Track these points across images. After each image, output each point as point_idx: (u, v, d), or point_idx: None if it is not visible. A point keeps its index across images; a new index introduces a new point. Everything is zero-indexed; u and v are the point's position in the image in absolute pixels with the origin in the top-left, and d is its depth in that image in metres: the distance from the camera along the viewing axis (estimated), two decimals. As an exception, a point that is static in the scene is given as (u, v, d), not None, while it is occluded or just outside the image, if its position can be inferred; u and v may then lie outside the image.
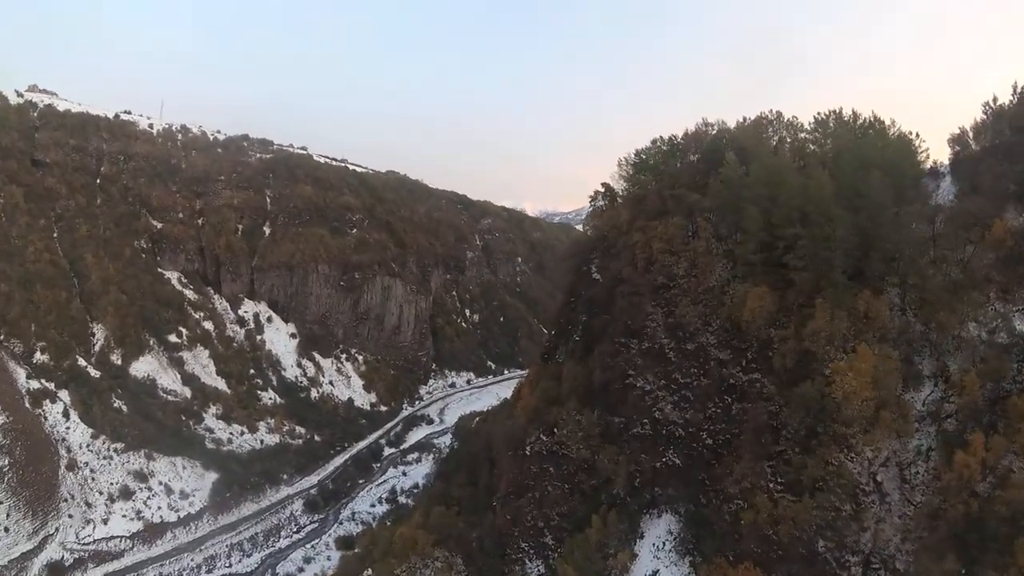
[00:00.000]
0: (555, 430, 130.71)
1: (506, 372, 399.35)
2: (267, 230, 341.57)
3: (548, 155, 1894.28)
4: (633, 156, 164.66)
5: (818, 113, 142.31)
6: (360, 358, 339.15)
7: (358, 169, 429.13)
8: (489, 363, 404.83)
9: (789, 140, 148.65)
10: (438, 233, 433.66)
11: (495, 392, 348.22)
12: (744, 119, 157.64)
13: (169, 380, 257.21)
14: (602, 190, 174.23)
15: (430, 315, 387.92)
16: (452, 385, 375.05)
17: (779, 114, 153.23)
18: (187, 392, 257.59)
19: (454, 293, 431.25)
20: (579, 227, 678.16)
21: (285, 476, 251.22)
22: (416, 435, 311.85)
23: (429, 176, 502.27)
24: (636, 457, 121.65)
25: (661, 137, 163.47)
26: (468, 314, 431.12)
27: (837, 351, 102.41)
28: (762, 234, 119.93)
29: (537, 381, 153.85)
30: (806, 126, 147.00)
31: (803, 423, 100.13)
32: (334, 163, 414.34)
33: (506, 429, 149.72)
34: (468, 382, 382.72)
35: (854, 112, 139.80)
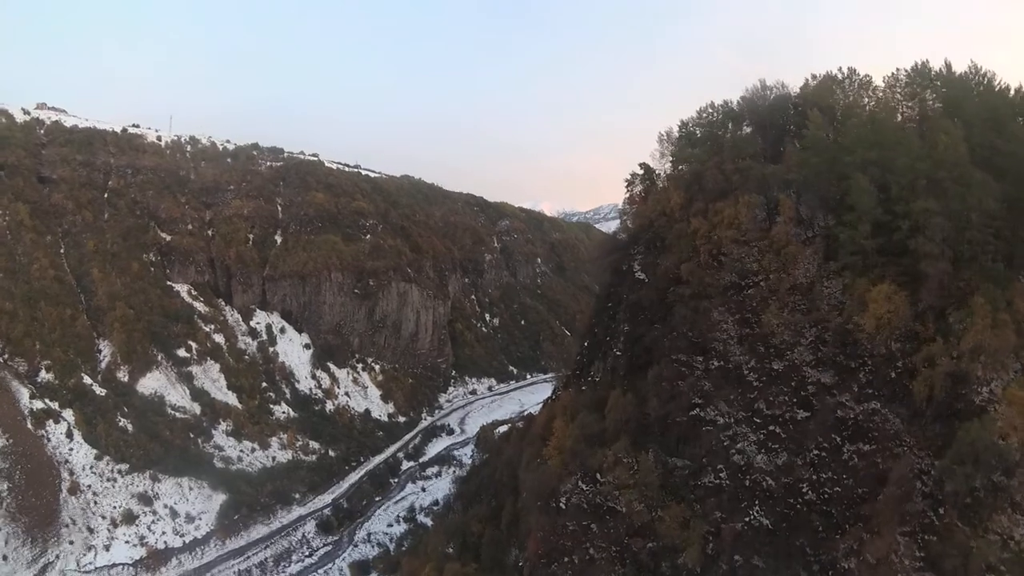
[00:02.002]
0: (599, 477, 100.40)
1: (529, 377, 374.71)
2: (279, 239, 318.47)
3: (564, 154, 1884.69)
4: (678, 129, 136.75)
5: (897, 69, 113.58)
6: (377, 367, 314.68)
7: (371, 174, 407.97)
8: (511, 368, 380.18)
9: (867, 101, 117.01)
10: (455, 236, 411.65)
11: (517, 399, 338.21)
12: (809, 79, 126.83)
13: (177, 396, 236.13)
14: (639, 171, 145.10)
15: (448, 320, 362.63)
16: (473, 392, 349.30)
17: (852, 71, 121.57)
18: (196, 408, 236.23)
19: (473, 297, 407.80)
20: (598, 226, 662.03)
21: (297, 495, 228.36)
22: (436, 447, 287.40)
23: (444, 179, 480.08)
24: (709, 515, 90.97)
25: (712, 103, 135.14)
26: (488, 318, 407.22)
27: (1000, 372, 74.81)
28: (877, 211, 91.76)
29: (572, 410, 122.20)
30: (880, 85, 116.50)
31: (967, 480, 70.64)
32: (346, 169, 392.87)
33: (535, 476, 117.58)
34: (490, 388, 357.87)
35: (947, 63, 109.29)
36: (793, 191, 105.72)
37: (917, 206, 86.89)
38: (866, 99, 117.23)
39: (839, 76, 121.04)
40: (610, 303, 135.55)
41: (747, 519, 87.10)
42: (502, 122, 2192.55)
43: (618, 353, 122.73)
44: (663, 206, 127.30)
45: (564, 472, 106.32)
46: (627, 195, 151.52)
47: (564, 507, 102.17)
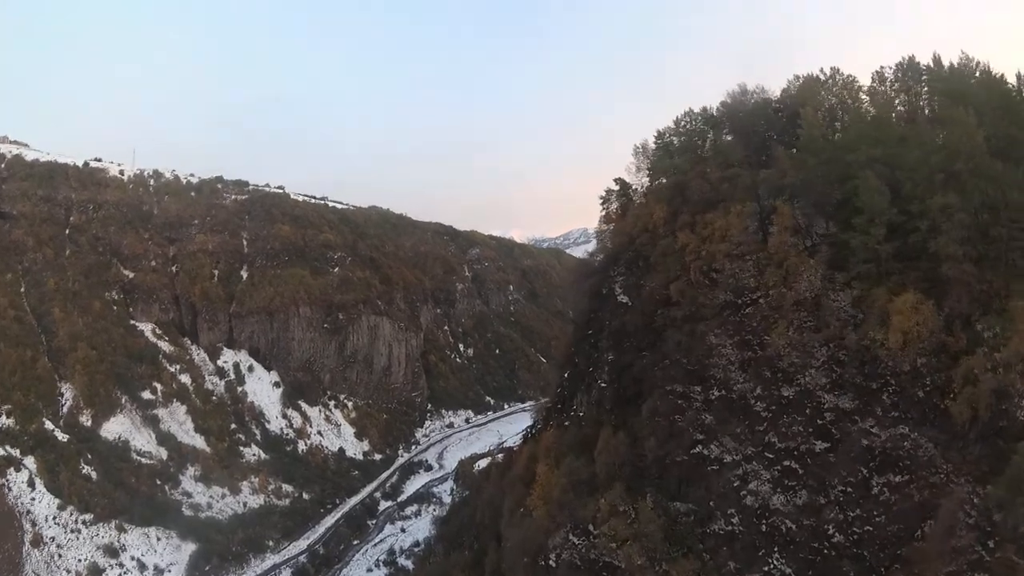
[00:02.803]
0: (592, 529, 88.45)
1: (506, 407, 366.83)
2: (244, 274, 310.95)
3: (532, 181, 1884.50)
4: (655, 139, 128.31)
5: (881, 67, 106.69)
6: (350, 404, 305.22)
7: (338, 206, 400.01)
8: (488, 398, 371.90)
9: (852, 102, 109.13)
10: (425, 266, 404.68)
11: (496, 430, 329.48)
12: (792, 80, 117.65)
13: (143, 441, 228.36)
14: (615, 187, 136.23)
15: (422, 352, 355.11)
16: (450, 425, 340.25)
17: (836, 70, 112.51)
18: (163, 453, 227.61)
19: (446, 328, 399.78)
20: (569, 251, 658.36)
21: (271, 542, 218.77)
22: (414, 484, 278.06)
23: (412, 210, 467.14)
24: (722, 567, 79.71)
25: (690, 110, 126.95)
26: (462, 348, 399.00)
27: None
28: (892, 212, 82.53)
29: (556, 453, 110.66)
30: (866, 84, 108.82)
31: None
32: (313, 201, 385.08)
33: (520, 531, 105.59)
34: (467, 420, 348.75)
35: (937, 57, 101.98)
36: (786, 197, 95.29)
37: (935, 203, 77.71)
38: (850, 100, 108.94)
39: (821, 77, 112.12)
40: (591, 330, 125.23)
41: (766, 569, 76.37)
42: (469, 152, 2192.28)
43: (603, 385, 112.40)
44: (644, 222, 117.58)
45: (552, 525, 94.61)
46: (603, 213, 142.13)
47: (555, 565, 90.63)
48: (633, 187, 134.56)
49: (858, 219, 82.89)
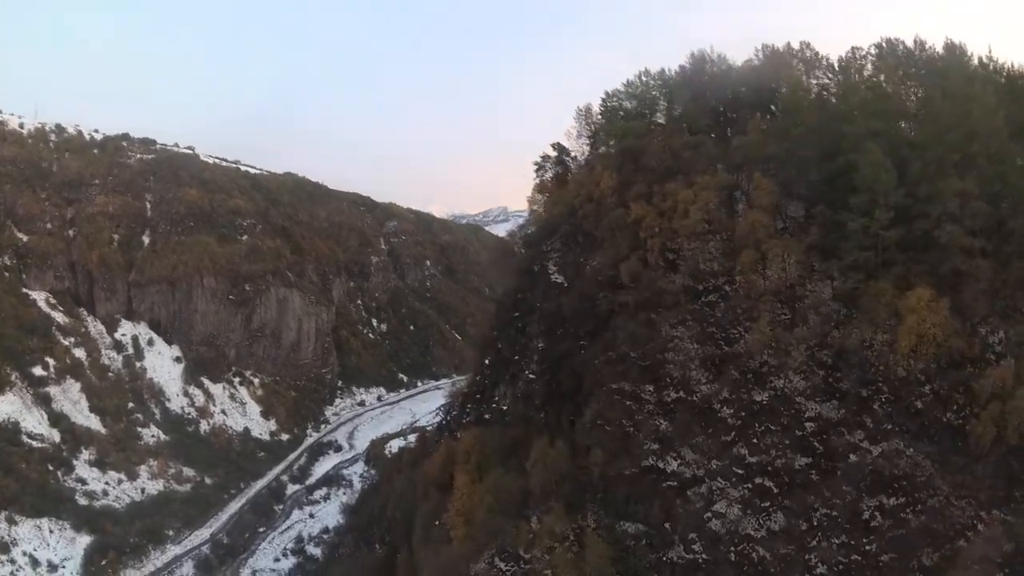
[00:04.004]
0: (523, 554, 77.60)
1: (420, 384, 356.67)
2: (147, 240, 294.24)
3: (454, 157, 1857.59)
4: (602, 103, 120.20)
5: (854, 47, 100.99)
6: (256, 381, 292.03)
7: (251, 171, 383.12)
8: (401, 376, 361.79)
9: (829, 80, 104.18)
10: (340, 238, 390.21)
11: (409, 408, 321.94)
12: (757, 51, 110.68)
13: (34, 422, 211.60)
14: (552, 153, 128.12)
15: (333, 327, 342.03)
16: (361, 403, 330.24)
17: (807, 45, 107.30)
18: (55, 435, 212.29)
19: (359, 302, 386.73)
20: (488, 229, 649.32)
21: (171, 532, 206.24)
22: (323, 466, 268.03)
23: (331, 179, 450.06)
24: None
25: (646, 70, 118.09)
26: (375, 324, 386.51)
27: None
28: (899, 193, 75.93)
29: (478, 460, 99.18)
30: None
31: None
32: (224, 164, 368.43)
33: (436, 560, 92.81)
34: (379, 398, 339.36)
35: (919, 41, 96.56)
36: (766, 168, 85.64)
37: (947, 186, 70.86)
38: (826, 78, 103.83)
39: (792, 50, 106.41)
40: (517, 312, 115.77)
41: (735, 605, 66.37)
42: (392, 124, 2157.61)
43: (531, 376, 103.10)
44: (588, 191, 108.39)
45: (474, 548, 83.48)
46: (536, 181, 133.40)
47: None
48: (573, 154, 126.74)
49: (856, 198, 73.40)
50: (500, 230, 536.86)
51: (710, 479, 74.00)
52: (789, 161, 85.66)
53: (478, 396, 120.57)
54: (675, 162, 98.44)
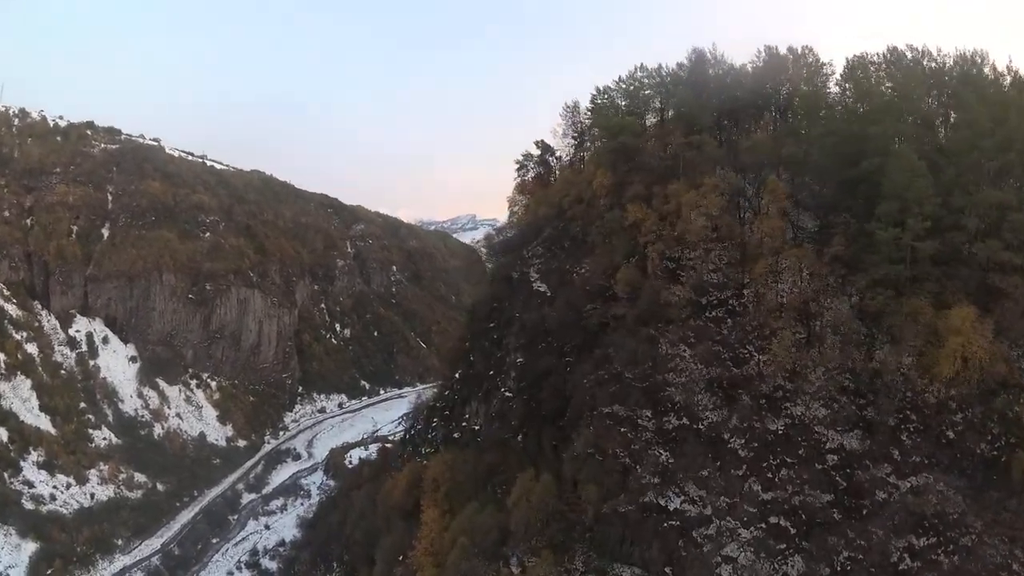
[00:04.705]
0: None
1: (382, 392, 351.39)
2: (106, 233, 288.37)
3: (424, 163, 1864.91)
4: (592, 98, 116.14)
5: (864, 52, 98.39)
6: (213, 384, 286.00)
7: (217, 166, 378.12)
8: (363, 383, 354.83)
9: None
10: (305, 239, 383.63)
11: (370, 417, 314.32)
12: (759, 53, 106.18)
13: None
14: (536, 152, 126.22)
15: (295, 331, 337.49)
16: (322, 410, 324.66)
17: (808, 50, 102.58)
18: (2, 434, 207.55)
19: (322, 306, 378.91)
20: (456, 236, 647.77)
21: (120, 541, 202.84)
22: (281, 475, 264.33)
23: (298, 179, 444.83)
24: None
25: (642, 65, 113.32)
26: (338, 329, 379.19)
27: None
28: (935, 202, 70.77)
29: (448, 489, 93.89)
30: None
31: None
32: (190, 158, 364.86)
33: None
34: (340, 406, 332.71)
35: (925, 50, 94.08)
36: (771, 172, 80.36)
37: (986, 198, 67.52)
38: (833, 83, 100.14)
39: (791, 55, 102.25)
40: (492, 323, 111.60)
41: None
42: (362, 127, 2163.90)
43: (508, 394, 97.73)
44: (579, 190, 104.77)
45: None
46: (517, 181, 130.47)
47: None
48: (557, 152, 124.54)
49: (885, 206, 67.82)
50: (468, 238, 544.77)
51: (719, 518, 68.39)
52: (807, 164, 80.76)
53: (446, 412, 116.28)
54: (675, 162, 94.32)
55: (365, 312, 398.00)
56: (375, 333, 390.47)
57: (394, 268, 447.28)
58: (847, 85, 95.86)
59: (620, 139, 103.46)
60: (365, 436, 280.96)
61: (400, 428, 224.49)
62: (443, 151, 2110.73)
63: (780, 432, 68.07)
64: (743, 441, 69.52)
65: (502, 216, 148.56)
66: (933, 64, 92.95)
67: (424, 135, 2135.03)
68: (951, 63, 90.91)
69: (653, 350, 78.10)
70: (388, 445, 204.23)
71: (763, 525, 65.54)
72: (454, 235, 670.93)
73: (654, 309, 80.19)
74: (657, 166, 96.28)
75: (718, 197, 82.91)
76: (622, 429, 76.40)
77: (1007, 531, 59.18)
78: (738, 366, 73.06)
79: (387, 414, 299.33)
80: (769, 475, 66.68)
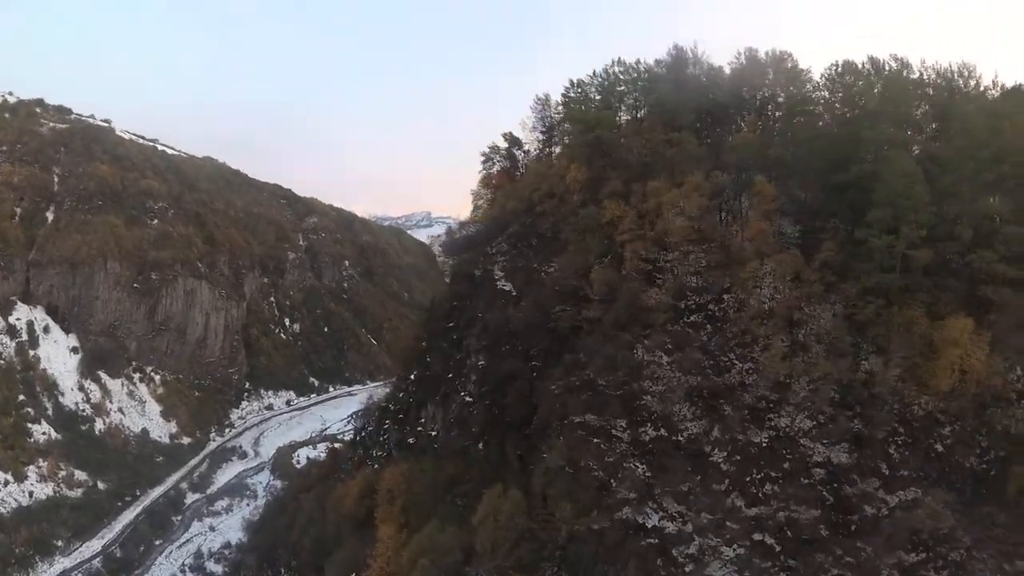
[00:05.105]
0: None
1: (332, 389, 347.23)
2: (50, 216, 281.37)
3: (381, 157, 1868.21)
4: (565, 91, 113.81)
5: (845, 60, 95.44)
6: (157, 378, 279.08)
7: (169, 151, 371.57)
8: (312, 379, 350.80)
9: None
10: (256, 230, 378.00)
11: (319, 415, 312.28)
12: (739, 54, 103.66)
13: None
14: (503, 145, 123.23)
15: (243, 325, 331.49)
16: (269, 407, 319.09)
17: (787, 54, 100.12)
18: None
19: (272, 299, 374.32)
20: (410, 232, 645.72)
21: (60, 542, 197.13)
22: (226, 473, 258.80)
23: (251, 169, 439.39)
24: None
25: (619, 59, 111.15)
26: (288, 324, 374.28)
27: None
28: (931, 210, 69.97)
29: (405, 503, 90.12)
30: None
31: None
32: (141, 141, 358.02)
33: None
34: (288, 403, 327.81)
35: (903, 58, 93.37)
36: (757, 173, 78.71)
37: (981, 208, 67.95)
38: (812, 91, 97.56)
39: (767, 57, 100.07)
40: (452, 322, 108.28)
41: None
42: (320, 120, 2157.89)
43: (469, 399, 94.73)
44: (550, 185, 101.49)
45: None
46: (482, 174, 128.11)
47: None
48: (525, 146, 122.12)
49: (876, 213, 66.26)
50: (423, 235, 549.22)
51: (700, 536, 65.78)
52: (793, 167, 79.22)
53: (400, 415, 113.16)
54: (655, 159, 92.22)
55: (315, 307, 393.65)
56: (325, 329, 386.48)
57: (346, 263, 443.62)
58: (835, 88, 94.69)
59: (596, 133, 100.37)
60: (314, 435, 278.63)
61: (350, 427, 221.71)
62: (400, 148, 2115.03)
63: (764, 445, 65.92)
64: (725, 454, 67.20)
65: (458, 214, 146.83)
66: (915, 76, 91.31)
67: (381, 132, 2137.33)
68: (934, 76, 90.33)
69: (628, 356, 75.77)
70: (337, 445, 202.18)
71: (747, 543, 63.22)
72: (408, 231, 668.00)
73: (632, 312, 77.62)
74: (636, 162, 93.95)
75: (701, 197, 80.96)
76: (596, 440, 73.54)
77: (998, 546, 58.88)
78: (719, 375, 70.70)
79: (336, 412, 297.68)
80: (753, 490, 64.52)
